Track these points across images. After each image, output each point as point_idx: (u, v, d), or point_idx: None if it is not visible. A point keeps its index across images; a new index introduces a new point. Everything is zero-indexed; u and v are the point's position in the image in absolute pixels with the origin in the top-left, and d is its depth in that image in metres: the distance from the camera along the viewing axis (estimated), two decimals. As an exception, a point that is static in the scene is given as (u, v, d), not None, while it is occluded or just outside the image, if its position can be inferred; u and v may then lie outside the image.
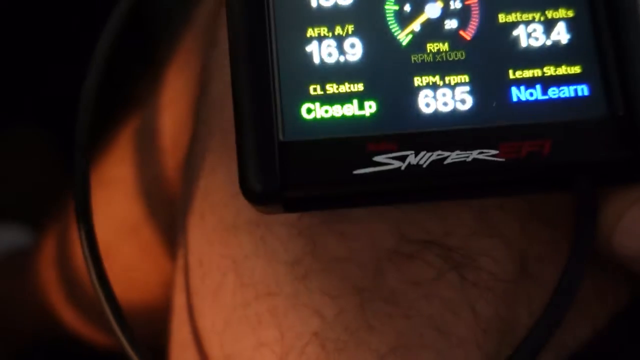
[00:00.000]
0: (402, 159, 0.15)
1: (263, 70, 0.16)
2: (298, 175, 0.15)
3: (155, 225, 0.29)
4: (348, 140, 0.15)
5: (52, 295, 0.34)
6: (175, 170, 0.27)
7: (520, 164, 0.15)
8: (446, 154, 0.15)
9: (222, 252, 0.19)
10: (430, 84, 0.16)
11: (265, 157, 0.15)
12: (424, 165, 0.15)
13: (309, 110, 0.16)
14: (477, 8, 0.16)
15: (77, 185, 0.20)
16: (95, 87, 0.22)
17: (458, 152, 0.15)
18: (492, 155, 0.15)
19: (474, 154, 0.15)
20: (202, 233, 0.20)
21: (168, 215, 0.27)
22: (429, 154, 0.15)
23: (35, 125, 0.49)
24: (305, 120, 0.16)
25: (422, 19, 0.16)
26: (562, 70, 0.16)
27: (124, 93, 0.32)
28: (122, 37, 0.23)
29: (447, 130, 0.16)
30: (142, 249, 0.30)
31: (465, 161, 0.15)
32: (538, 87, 0.16)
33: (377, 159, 0.15)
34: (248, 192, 0.15)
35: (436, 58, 0.16)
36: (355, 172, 0.15)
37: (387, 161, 0.15)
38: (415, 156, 0.15)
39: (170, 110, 0.28)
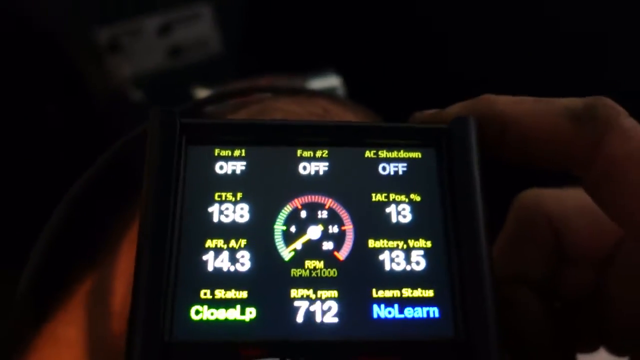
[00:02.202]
0: None
1: (161, 274, 0.18)
2: None
3: None
4: (225, 344, 0.18)
5: None
6: (122, 336, 0.29)
7: None
8: None
9: None
10: (305, 296, 0.19)
11: (148, 356, 0.17)
12: None
13: (197, 312, 0.18)
14: (351, 233, 0.20)
15: None
16: (41, 260, 0.24)
17: None
18: None
19: None
20: None
21: None
22: None
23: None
24: (192, 322, 0.18)
25: (304, 239, 0.19)
26: (418, 293, 0.19)
27: (85, 248, 0.35)
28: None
29: (312, 341, 0.18)
30: None
31: None
32: (396, 306, 0.19)
33: None
34: None
35: (312, 274, 0.19)
36: None
37: None
38: None
39: (123, 279, 0.31)
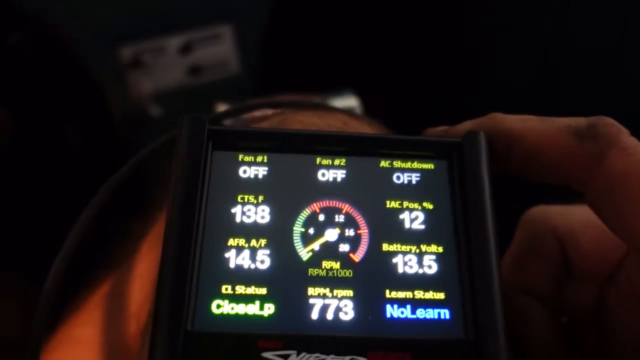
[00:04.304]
0: (286, 357, 0.18)
1: (186, 268, 0.19)
2: None
3: None
4: (244, 336, 0.19)
5: None
6: (137, 336, 0.30)
7: None
8: (322, 356, 0.18)
9: None
10: (321, 294, 0.20)
11: (171, 343, 0.18)
12: None
13: (218, 306, 0.19)
14: (366, 237, 0.21)
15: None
16: (64, 266, 0.25)
17: (333, 355, 0.18)
18: None
19: (346, 359, 0.18)
20: None
21: None
22: (308, 355, 0.18)
23: (20, 274, 0.52)
24: (213, 315, 0.19)
25: (321, 240, 0.20)
26: (430, 295, 0.20)
27: (104, 253, 0.36)
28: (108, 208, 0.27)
29: (327, 336, 0.19)
30: None
31: None
32: (408, 307, 0.20)
33: (265, 355, 0.18)
34: None
35: (329, 274, 0.20)
36: None
37: (273, 358, 0.18)
38: (297, 356, 0.18)
39: (140, 281, 0.32)
